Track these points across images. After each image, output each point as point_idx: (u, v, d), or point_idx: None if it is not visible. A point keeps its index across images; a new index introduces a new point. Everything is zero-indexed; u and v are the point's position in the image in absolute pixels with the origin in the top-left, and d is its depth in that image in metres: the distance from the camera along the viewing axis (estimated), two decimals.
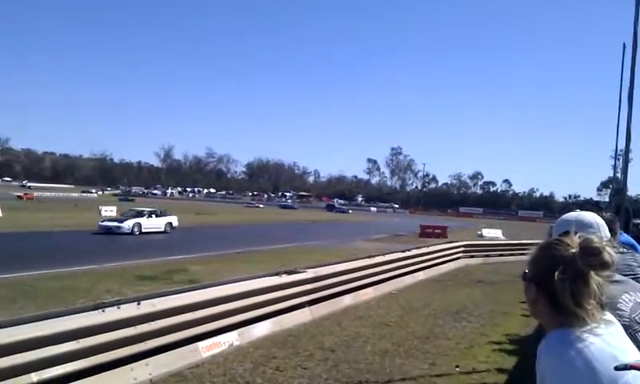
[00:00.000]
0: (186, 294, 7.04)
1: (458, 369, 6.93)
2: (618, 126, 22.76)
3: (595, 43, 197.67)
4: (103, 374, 5.40)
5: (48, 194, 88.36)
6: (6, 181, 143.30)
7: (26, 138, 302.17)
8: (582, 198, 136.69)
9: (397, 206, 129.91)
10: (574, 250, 1.39)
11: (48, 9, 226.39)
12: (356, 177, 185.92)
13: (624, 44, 20.16)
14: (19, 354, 4.70)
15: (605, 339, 1.34)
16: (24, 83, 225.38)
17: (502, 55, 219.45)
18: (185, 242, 24.22)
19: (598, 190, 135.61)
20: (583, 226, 2.02)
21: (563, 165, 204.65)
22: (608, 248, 1.37)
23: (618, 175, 34.77)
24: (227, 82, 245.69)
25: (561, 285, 1.36)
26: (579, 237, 1.43)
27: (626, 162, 10.01)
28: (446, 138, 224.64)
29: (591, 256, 1.36)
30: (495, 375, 6.73)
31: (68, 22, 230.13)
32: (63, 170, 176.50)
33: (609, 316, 1.42)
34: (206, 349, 6.75)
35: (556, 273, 1.37)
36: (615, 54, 23.46)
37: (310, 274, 9.57)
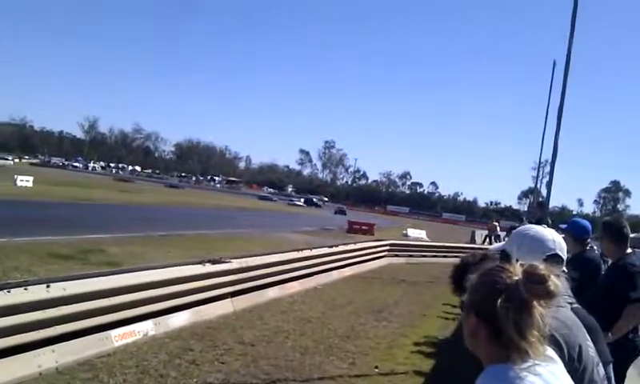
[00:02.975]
0: (101, 278, 6.67)
1: (377, 370, 6.97)
2: (543, 138, 23.99)
3: (527, 55, 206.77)
4: (5, 359, 5.00)
5: None
6: None
7: None
8: (502, 205, 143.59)
9: (327, 199, 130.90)
10: (516, 278, 1.32)
11: None
12: (288, 167, 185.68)
13: (554, 61, 21.15)
14: None
15: (544, 379, 1.27)
16: None
17: (437, 60, 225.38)
18: (103, 221, 23.20)
19: (519, 198, 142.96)
20: (545, 245, 1.96)
21: (487, 172, 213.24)
22: (553, 276, 1.30)
23: (539, 186, 36.67)
24: (159, 58, 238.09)
25: (504, 314, 1.28)
26: (521, 264, 1.36)
27: (551, 176, 10.45)
28: (378, 136, 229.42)
29: (536, 284, 1.29)
30: (413, 378, 6.82)
31: None
32: None
33: (550, 351, 1.36)
34: (119, 337, 6.42)
35: (498, 301, 1.29)
36: (545, 69, 24.60)
37: (235, 264, 9.36)
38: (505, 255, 1.89)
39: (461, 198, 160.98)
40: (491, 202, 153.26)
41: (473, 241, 36.70)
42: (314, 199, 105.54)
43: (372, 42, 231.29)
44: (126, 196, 45.09)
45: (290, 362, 6.79)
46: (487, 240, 32.00)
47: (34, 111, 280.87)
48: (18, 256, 11.33)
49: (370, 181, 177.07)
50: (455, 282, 1.87)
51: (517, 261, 1.40)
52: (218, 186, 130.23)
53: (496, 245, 2.37)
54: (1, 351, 5.07)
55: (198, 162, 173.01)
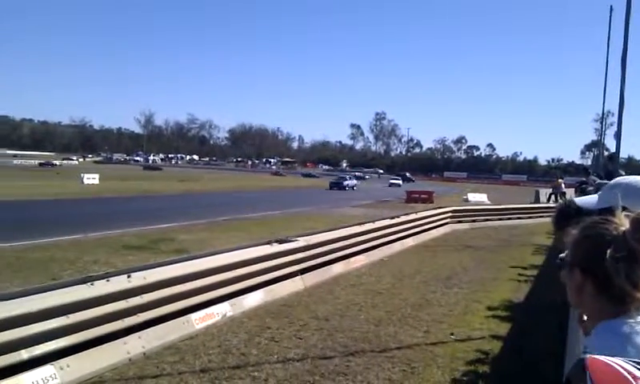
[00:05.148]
0: (177, 265, 6.89)
1: (453, 336, 6.92)
2: (605, 88, 22.84)
3: (580, 5, 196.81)
4: (96, 348, 5.28)
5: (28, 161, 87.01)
6: None
7: (3, 104, 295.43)
8: (565, 161, 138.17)
9: (382, 171, 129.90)
10: (623, 228, 1.24)
11: None
12: (340, 142, 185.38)
13: (611, 7, 20.07)
14: (7, 331, 4.54)
15: None
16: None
17: (485, 21, 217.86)
18: (168, 211, 23.95)
19: (582, 152, 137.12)
20: None
21: (546, 128, 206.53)
22: None
23: (603, 138, 35.04)
24: (209, 47, 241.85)
25: (613, 266, 1.21)
26: (626, 214, 1.28)
27: (619, 126, 9.94)
28: (430, 103, 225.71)
29: None
30: (491, 342, 6.72)
31: None
32: (42, 137, 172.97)
33: None
34: (199, 320, 6.63)
35: (608, 251, 1.22)
36: (602, 17, 23.29)
37: (302, 242, 9.46)
38: (606, 208, 1.80)
39: (520, 158, 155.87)
40: (553, 159, 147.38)
41: (537, 200, 35.66)
42: (407, 174, 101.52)
43: (417, 9, 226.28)
44: (186, 185, 46.34)
45: (365, 334, 6.83)
46: (552, 198, 31.05)
47: (93, 111, 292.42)
48: (95, 250, 11.88)
49: (424, 149, 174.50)
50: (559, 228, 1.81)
51: (621, 211, 1.32)
52: (274, 167, 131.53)
53: (584, 198, 2.26)
54: (92, 340, 5.34)
55: (252, 146, 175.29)
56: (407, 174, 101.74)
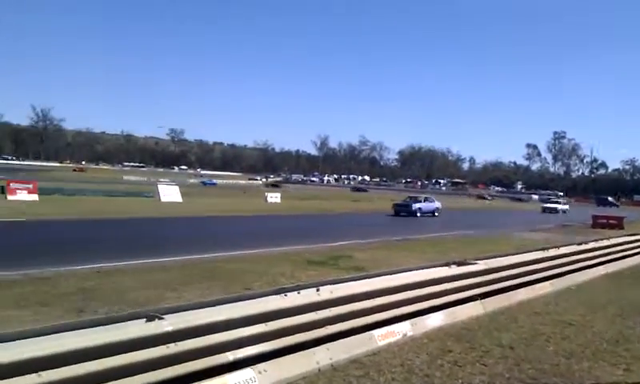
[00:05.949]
0: (361, 282, 7.13)
1: None
2: None
3: None
4: (290, 356, 5.64)
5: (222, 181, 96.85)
6: (182, 169, 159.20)
7: (199, 129, 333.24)
8: None
9: (561, 194, 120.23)
10: None
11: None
12: (514, 163, 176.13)
13: None
14: (217, 334, 5.07)
15: None
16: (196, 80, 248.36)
17: None
18: (345, 229, 24.78)
19: None
20: None
21: None
22: None
23: None
24: (380, 72, 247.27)
25: None
26: None
27: None
28: (615, 122, 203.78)
29: None
30: None
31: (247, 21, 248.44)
32: (231, 159, 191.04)
33: None
34: (382, 337, 6.77)
35: None
36: None
37: (482, 265, 9.19)
38: None
39: None
40: None
41: None
42: (609, 199, 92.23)
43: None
44: (359, 204, 47.61)
45: (555, 367, 6.39)
46: None
47: (274, 134, 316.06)
48: (280, 264, 12.77)
49: (610, 170, 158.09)
50: None
51: None
52: (444, 188, 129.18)
53: None
54: (286, 348, 5.74)
55: (421, 167, 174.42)
56: (609, 199, 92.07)
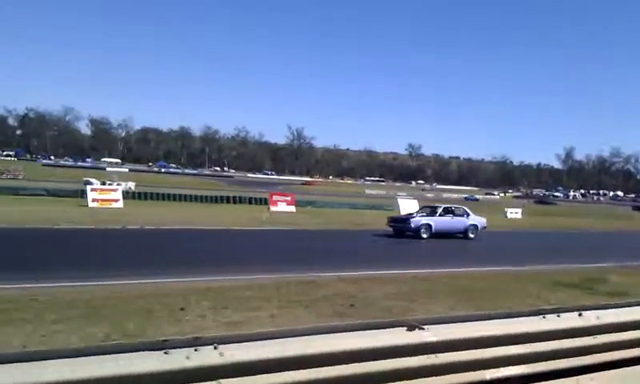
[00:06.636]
0: (630, 309, 6.35)
1: None
2: None
3: None
4: (552, 381, 5.30)
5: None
6: (419, 183, 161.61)
7: (435, 144, 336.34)
8: None
9: None
10: None
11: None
12: None
13: None
14: (473, 350, 4.98)
15: None
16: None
17: None
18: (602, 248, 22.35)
19: None
20: None
21: None
22: None
23: None
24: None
25: None
26: None
27: None
28: None
29: None
30: None
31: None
32: (466, 173, 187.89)
33: None
34: None
35: None
36: None
37: None
38: None
39: None
40: None
41: None
42: None
43: None
44: (619, 223, 42.62)
45: None
46: None
47: (513, 148, 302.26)
48: (527, 283, 12.07)
49: None
50: None
51: None
52: None
53: None
54: (543, 374, 5.38)
55: None
56: None
